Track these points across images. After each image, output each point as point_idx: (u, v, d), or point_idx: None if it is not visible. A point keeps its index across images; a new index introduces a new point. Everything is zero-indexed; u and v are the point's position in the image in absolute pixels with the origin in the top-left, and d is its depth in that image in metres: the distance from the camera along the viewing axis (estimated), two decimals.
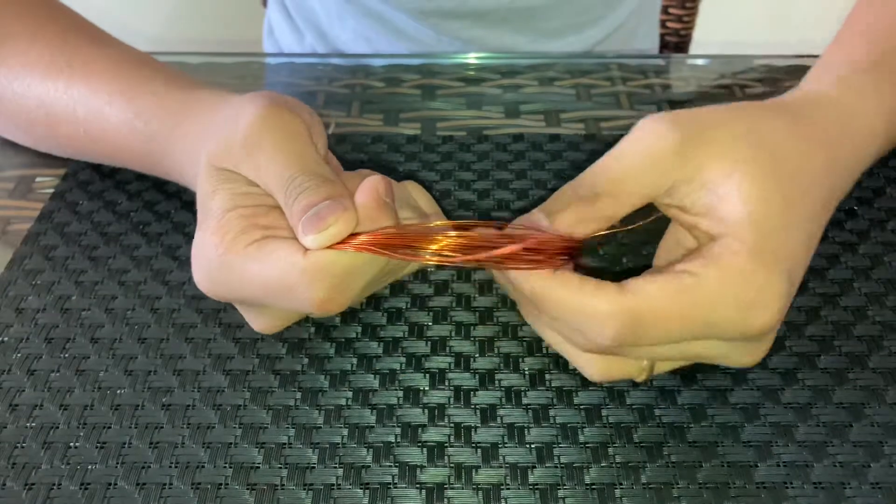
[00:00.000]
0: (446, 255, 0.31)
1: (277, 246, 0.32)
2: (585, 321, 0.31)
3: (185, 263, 0.42)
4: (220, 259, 0.32)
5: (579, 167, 0.47)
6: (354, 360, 0.37)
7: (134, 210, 0.45)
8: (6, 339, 0.38)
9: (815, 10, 1.15)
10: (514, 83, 0.56)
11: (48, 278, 0.41)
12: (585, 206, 0.32)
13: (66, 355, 0.37)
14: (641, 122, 0.34)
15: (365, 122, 0.52)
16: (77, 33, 0.45)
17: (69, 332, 0.38)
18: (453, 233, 0.32)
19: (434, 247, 0.31)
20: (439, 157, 0.49)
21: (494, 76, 0.57)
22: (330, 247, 0.31)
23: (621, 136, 0.50)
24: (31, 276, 0.41)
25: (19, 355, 0.37)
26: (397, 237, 0.31)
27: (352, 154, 0.49)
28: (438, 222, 0.36)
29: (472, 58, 0.59)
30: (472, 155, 0.49)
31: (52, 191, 0.47)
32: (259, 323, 0.35)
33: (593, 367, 0.33)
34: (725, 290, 0.30)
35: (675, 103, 0.54)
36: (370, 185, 0.32)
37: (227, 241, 0.32)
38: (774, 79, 0.56)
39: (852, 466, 0.33)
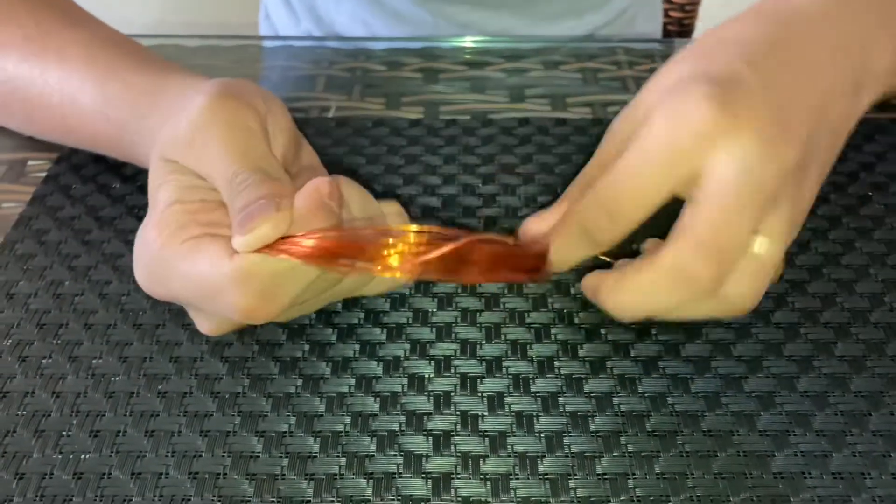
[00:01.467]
0: (397, 266, 0.29)
1: (208, 246, 0.30)
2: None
3: None
4: (156, 254, 0.31)
5: (586, 151, 0.47)
6: (357, 347, 0.36)
7: (129, 193, 0.44)
8: None
9: None
10: (519, 67, 0.55)
11: (40, 263, 0.40)
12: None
13: (59, 341, 0.36)
14: (668, 107, 0.29)
15: (366, 106, 0.51)
16: (49, 12, 0.43)
17: (62, 318, 0.37)
18: (407, 239, 0.29)
19: (384, 256, 0.29)
20: (443, 140, 0.48)
21: (498, 60, 0.55)
22: (259, 250, 0.29)
23: None
24: (22, 260, 0.40)
25: (10, 341, 0.36)
26: (340, 245, 0.29)
27: (353, 138, 0.48)
28: (385, 227, 0.33)
29: (473, 41, 0.58)
30: (477, 139, 0.48)
31: (44, 174, 0.45)
32: (203, 324, 0.33)
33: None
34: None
35: None
36: (311, 187, 0.31)
37: (165, 236, 0.31)
38: None
39: (872, 456, 0.32)
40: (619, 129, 0.33)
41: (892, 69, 0.35)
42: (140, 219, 0.41)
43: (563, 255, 0.32)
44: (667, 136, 0.28)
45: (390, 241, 0.29)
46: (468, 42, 0.57)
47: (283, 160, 0.34)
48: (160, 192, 0.33)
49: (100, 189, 0.44)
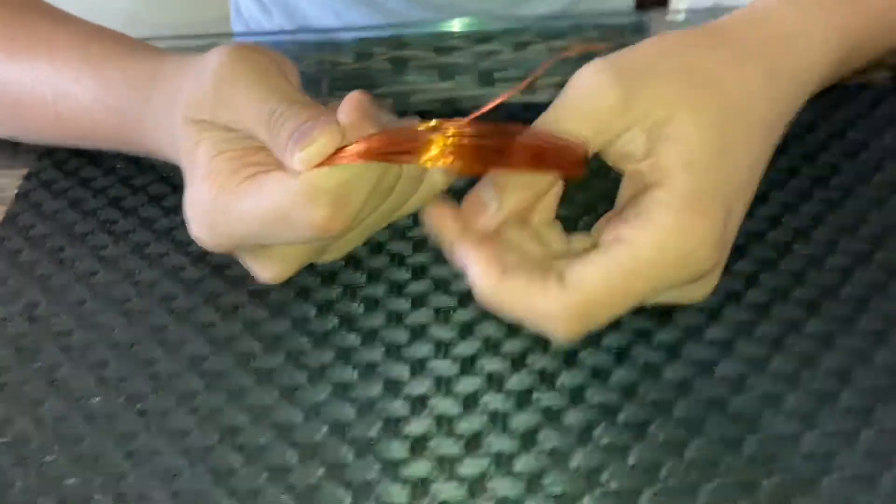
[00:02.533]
0: (448, 158, 0.30)
1: (268, 177, 0.31)
2: (538, 321, 0.31)
3: (155, 262, 0.40)
4: (214, 201, 0.32)
5: None
6: (333, 354, 0.36)
7: (100, 208, 0.44)
8: None
9: None
10: (488, 50, 0.54)
11: (15, 285, 0.40)
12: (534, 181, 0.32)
13: (37, 366, 0.36)
14: (579, 74, 0.33)
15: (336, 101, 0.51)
16: (32, 12, 0.43)
17: (39, 342, 0.37)
18: (451, 129, 0.30)
19: (433, 150, 0.30)
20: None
21: (467, 44, 0.55)
22: (320, 164, 0.30)
23: None
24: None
25: None
26: (389, 142, 0.30)
27: None
28: (432, 123, 0.33)
29: (443, 26, 0.57)
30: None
31: (14, 192, 0.45)
32: (266, 270, 0.35)
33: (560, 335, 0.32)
34: (662, 251, 0.30)
35: None
36: (352, 100, 0.32)
37: (220, 183, 0.32)
38: None
39: (843, 435, 0.32)
40: (598, 116, 0.33)
41: (834, 61, 0.36)
42: (112, 233, 0.42)
43: None
44: (674, 273, 0.31)
45: (435, 134, 0.30)
46: (437, 27, 0.57)
47: None
48: (198, 150, 0.33)
49: (72, 205, 0.44)
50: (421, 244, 0.41)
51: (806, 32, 0.36)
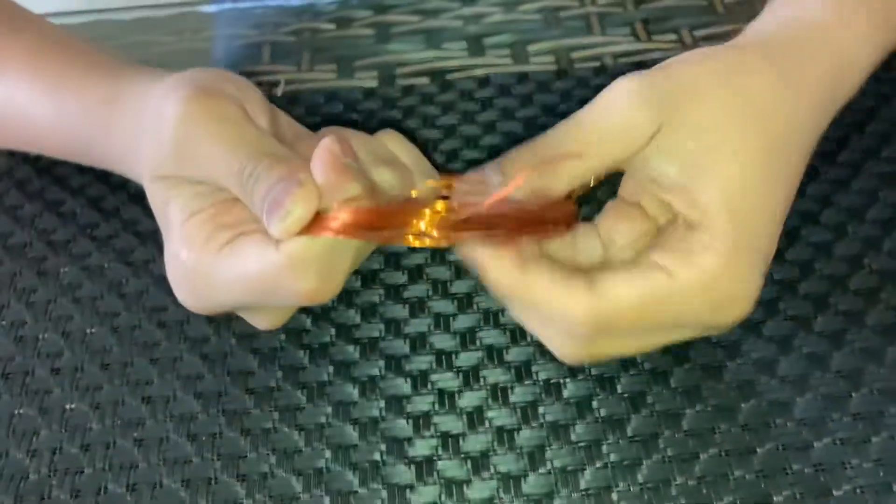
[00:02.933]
0: (433, 234, 0.28)
1: (249, 244, 0.29)
2: (555, 320, 0.29)
3: (140, 269, 0.39)
4: (194, 270, 0.30)
5: (551, 111, 0.44)
6: (331, 369, 0.35)
7: (78, 209, 0.42)
8: None
9: None
10: (476, 12, 0.51)
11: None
12: (547, 167, 0.30)
13: (27, 387, 0.35)
14: (612, 87, 0.30)
15: (317, 77, 0.48)
16: None
17: (26, 365, 0.36)
18: (439, 204, 0.28)
19: (418, 223, 0.28)
20: (401, 113, 0.45)
21: (453, 5, 0.52)
22: (302, 231, 0.28)
23: (594, 69, 0.47)
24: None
25: None
26: (374, 217, 0.28)
27: (307, 117, 0.45)
28: (420, 188, 0.32)
29: None
30: (436, 107, 0.45)
31: None
32: (260, 321, 0.33)
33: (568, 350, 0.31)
34: (700, 291, 0.28)
35: (650, 21, 0.50)
36: (323, 150, 0.29)
37: (197, 250, 0.30)
38: None
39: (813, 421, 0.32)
40: (630, 108, 0.30)
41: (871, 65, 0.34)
42: (95, 238, 0.40)
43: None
44: (704, 314, 0.30)
45: (421, 208, 0.29)
46: None
47: (275, 136, 0.33)
48: (169, 210, 0.31)
49: (48, 207, 0.42)
50: None
51: (858, 60, 0.33)
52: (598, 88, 0.30)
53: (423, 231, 0.28)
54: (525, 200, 0.29)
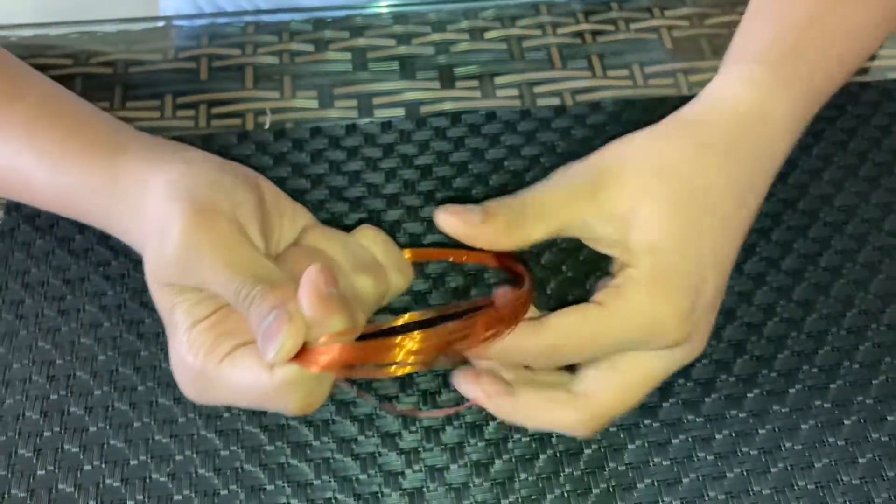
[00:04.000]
0: (414, 362, 0.32)
1: (245, 360, 0.33)
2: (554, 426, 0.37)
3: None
4: (199, 374, 0.34)
5: (516, 152, 0.50)
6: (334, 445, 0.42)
7: (90, 247, 0.46)
8: None
9: None
10: (445, 39, 0.55)
11: (11, 328, 0.43)
12: (516, 219, 0.36)
13: (52, 410, 0.41)
14: (560, 170, 0.37)
15: (300, 105, 0.52)
16: None
17: (51, 392, 0.41)
18: (416, 335, 0.32)
19: (398, 356, 0.32)
20: (381, 151, 0.50)
21: (424, 29, 0.56)
22: (292, 359, 0.32)
23: (555, 108, 0.52)
24: (6, 339, 0.43)
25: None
26: (358, 356, 0.32)
27: (293, 153, 0.50)
28: (394, 288, 0.37)
29: (398, 4, 0.57)
30: (413, 146, 0.50)
31: None
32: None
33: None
34: (629, 316, 0.35)
35: (604, 55, 0.55)
36: (308, 283, 0.32)
37: (202, 359, 0.34)
38: (702, 15, 0.57)
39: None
40: (573, 185, 0.36)
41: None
42: (108, 277, 0.45)
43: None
44: (635, 338, 0.35)
45: (400, 342, 0.32)
46: (391, 7, 0.57)
47: (264, 247, 0.36)
48: (175, 314, 0.35)
49: (60, 243, 0.46)
50: None
51: (767, 112, 0.38)
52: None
53: (403, 362, 0.32)
54: (490, 309, 0.34)
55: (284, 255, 0.37)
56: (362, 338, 0.34)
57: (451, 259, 0.44)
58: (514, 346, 0.35)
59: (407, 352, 0.32)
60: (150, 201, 0.36)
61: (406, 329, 0.34)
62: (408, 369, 0.33)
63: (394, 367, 0.33)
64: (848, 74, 0.42)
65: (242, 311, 0.33)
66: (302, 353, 0.32)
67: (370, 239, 0.38)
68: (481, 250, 0.36)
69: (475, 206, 0.36)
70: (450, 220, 0.35)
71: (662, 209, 0.36)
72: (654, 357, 0.37)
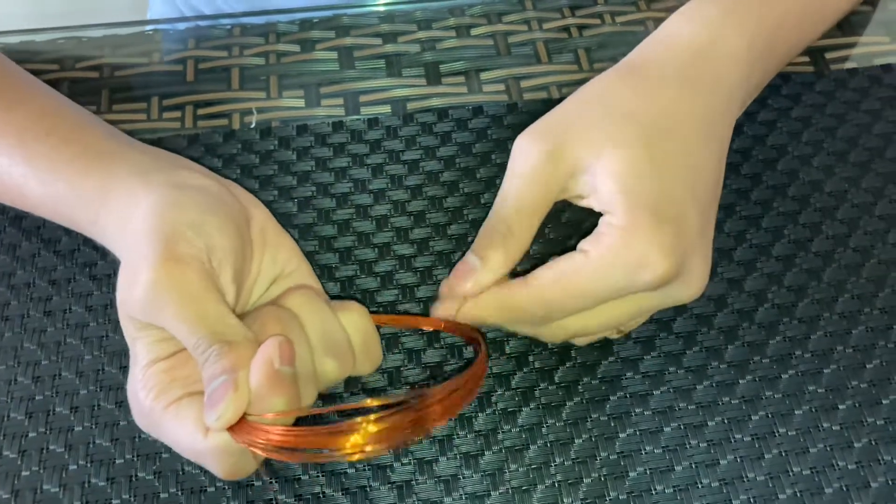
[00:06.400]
0: (369, 447, 0.31)
1: (188, 414, 0.33)
2: (514, 315, 0.37)
3: None
4: (148, 412, 0.34)
5: (503, 145, 0.49)
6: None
7: (76, 248, 0.46)
8: None
9: None
10: (431, 37, 0.55)
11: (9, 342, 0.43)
12: (507, 241, 0.37)
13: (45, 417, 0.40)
14: (514, 146, 0.38)
15: (286, 103, 0.52)
16: None
17: (47, 403, 0.41)
18: (370, 426, 0.31)
19: (352, 442, 0.31)
20: (367, 147, 0.50)
21: (410, 27, 0.56)
22: (228, 430, 0.32)
23: (543, 101, 0.52)
24: None
25: None
26: (306, 441, 0.31)
27: (279, 151, 0.49)
28: (359, 372, 0.36)
29: (386, 3, 0.57)
30: (400, 142, 0.50)
31: None
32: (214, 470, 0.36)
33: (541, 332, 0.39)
34: (610, 261, 0.35)
35: (591, 49, 0.54)
36: (263, 356, 0.32)
37: (152, 398, 0.34)
38: None
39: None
40: (538, 177, 0.36)
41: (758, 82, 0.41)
42: (94, 278, 0.45)
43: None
44: (622, 279, 0.35)
45: (352, 426, 0.31)
46: (379, 6, 0.57)
47: (235, 289, 0.36)
48: (136, 346, 0.35)
49: (46, 245, 0.46)
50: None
51: (713, 44, 0.39)
52: None
53: (355, 447, 0.30)
54: (447, 385, 0.33)
55: (257, 312, 0.36)
56: (313, 419, 0.33)
57: (404, 325, 0.42)
58: (502, 301, 0.36)
59: (361, 437, 0.31)
60: (133, 224, 0.36)
61: (353, 414, 0.31)
62: (362, 454, 0.31)
63: (346, 453, 0.31)
64: (806, 26, 0.44)
65: (199, 364, 0.33)
66: (242, 426, 0.32)
67: (352, 323, 0.37)
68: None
69: (466, 260, 0.36)
70: (450, 305, 0.36)
71: (624, 151, 0.36)
72: (647, 296, 0.37)
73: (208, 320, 0.33)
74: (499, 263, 0.36)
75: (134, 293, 0.34)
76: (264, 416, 0.32)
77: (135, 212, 0.36)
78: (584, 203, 0.38)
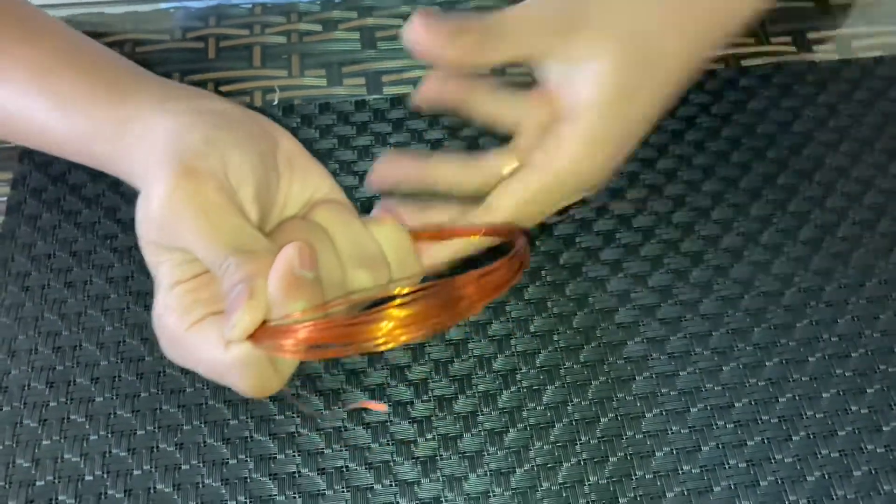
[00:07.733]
0: (398, 335, 0.30)
1: (209, 333, 0.32)
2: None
3: None
4: (171, 337, 0.33)
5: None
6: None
7: (96, 221, 0.45)
8: None
9: None
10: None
11: (30, 312, 0.42)
12: (489, 37, 0.36)
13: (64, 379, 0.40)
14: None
15: (308, 83, 0.52)
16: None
17: (67, 373, 0.40)
18: (395, 312, 0.30)
19: (376, 332, 0.29)
20: (390, 126, 0.49)
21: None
22: (249, 338, 0.31)
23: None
24: (12, 310, 0.42)
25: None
26: (329, 335, 0.29)
27: (302, 128, 0.49)
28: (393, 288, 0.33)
29: None
30: (423, 122, 0.49)
31: (3, 199, 0.46)
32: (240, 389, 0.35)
33: None
34: (564, 180, 0.37)
35: None
36: (282, 260, 0.31)
37: (175, 320, 0.33)
38: None
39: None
40: (552, 18, 0.37)
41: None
42: (115, 250, 0.44)
43: None
44: (572, 191, 0.39)
45: (378, 316, 0.30)
46: None
47: (258, 210, 0.35)
48: (159, 271, 0.34)
49: (66, 217, 0.45)
50: None
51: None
52: None
53: (384, 336, 0.29)
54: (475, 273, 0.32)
55: (283, 225, 0.36)
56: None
57: (442, 237, 0.40)
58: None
59: (387, 327, 0.30)
60: (149, 148, 0.35)
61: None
62: (392, 344, 0.30)
63: (374, 344, 0.30)
64: None
65: (220, 280, 0.32)
66: (265, 331, 0.30)
67: (385, 235, 0.37)
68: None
69: (449, 19, 0.36)
70: (420, 34, 0.35)
71: (610, 70, 0.36)
72: None
73: (225, 232, 0.32)
74: (466, 47, 0.36)
75: (150, 212, 0.33)
76: (287, 318, 0.30)
77: (151, 137, 0.35)
78: (547, 88, 0.37)
